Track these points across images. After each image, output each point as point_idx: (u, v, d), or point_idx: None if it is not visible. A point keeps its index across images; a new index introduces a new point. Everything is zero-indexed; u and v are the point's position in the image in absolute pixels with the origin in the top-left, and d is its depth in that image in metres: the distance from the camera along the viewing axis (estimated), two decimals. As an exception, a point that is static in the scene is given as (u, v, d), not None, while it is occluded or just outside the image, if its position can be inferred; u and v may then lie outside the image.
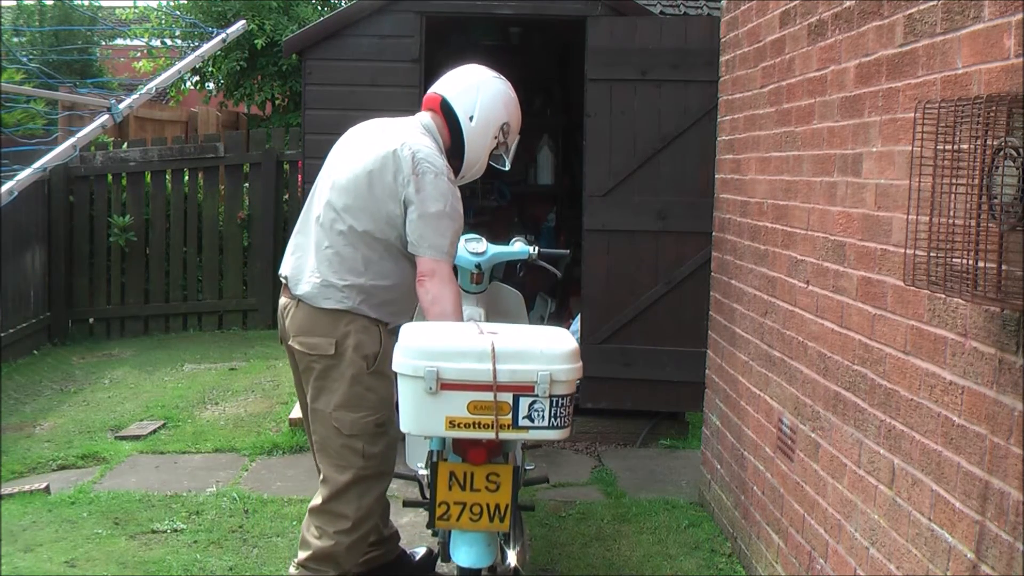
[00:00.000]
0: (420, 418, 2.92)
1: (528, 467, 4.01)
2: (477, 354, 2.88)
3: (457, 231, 3.34)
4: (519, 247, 3.80)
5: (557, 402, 2.88)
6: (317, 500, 3.44)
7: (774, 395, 3.75)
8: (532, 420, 2.88)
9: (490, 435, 2.90)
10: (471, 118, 3.44)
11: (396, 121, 3.49)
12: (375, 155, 3.31)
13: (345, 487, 3.36)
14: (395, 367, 2.95)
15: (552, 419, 2.89)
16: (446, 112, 3.47)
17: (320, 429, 3.40)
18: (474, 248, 3.70)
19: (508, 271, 4.24)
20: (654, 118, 5.53)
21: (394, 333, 3.35)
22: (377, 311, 3.34)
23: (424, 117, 3.50)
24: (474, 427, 2.88)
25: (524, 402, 2.86)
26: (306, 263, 3.39)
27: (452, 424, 2.88)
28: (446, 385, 2.86)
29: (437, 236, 3.26)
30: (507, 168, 3.64)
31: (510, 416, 2.87)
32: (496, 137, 3.49)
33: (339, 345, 3.30)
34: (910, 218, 2.33)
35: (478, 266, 3.67)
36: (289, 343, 3.43)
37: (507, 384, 2.85)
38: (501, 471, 3.08)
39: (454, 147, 3.47)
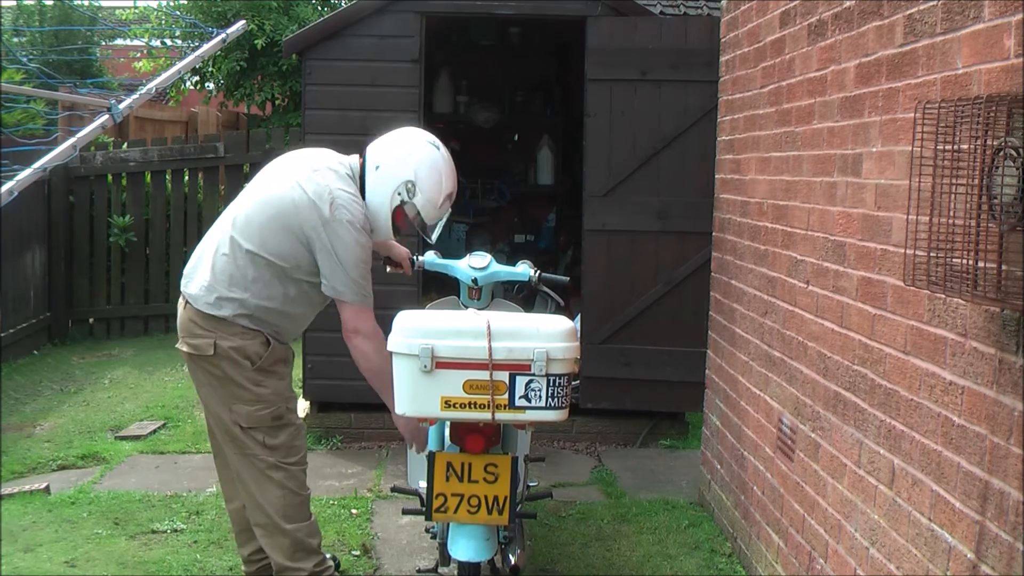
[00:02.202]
0: (415, 398, 2.91)
1: (531, 483, 4.00)
2: (473, 332, 2.87)
3: (368, 277, 3.40)
4: (522, 269, 3.80)
5: (554, 381, 2.87)
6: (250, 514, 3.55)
7: (774, 395, 3.75)
8: (529, 400, 2.87)
9: (486, 416, 2.89)
10: (377, 167, 3.41)
11: (330, 159, 3.50)
12: (296, 186, 3.35)
13: (258, 485, 3.45)
14: (390, 347, 2.95)
15: (549, 399, 2.88)
16: (364, 160, 3.49)
17: (219, 430, 3.49)
18: (476, 263, 3.70)
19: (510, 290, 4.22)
20: (654, 118, 5.53)
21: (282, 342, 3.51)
22: (257, 325, 3.40)
23: (355, 161, 3.51)
24: (470, 407, 2.87)
25: (521, 381, 2.86)
26: (202, 264, 3.47)
27: (447, 404, 2.87)
28: (441, 363, 2.86)
29: (361, 280, 3.33)
30: (432, 240, 3.59)
31: (506, 396, 2.86)
32: (399, 194, 3.40)
33: (217, 346, 3.36)
34: (910, 218, 2.33)
35: (475, 280, 3.67)
36: (177, 345, 3.51)
37: (503, 362, 2.85)
38: (499, 462, 3.07)
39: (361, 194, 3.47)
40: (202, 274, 3.44)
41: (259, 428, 3.42)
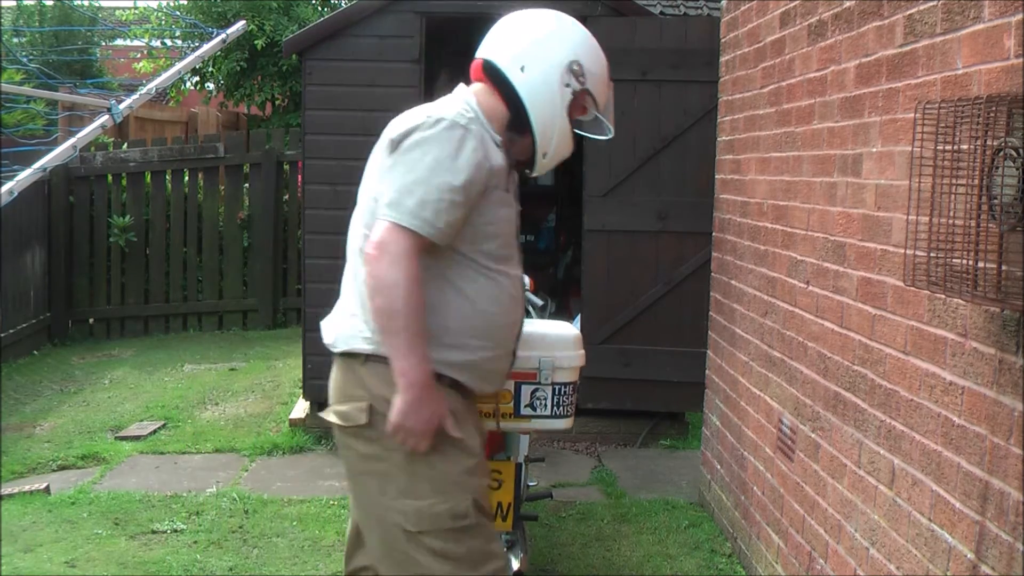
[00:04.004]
0: None
1: (531, 483, 4.00)
2: None
3: (441, 199, 2.30)
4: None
5: (560, 390, 2.87)
6: None
7: (774, 395, 3.74)
8: (534, 409, 2.87)
9: (491, 425, 2.88)
10: (522, 68, 2.49)
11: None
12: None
13: None
14: None
15: (555, 407, 2.88)
16: (493, 76, 2.54)
17: (378, 530, 2.44)
18: None
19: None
20: (654, 118, 5.53)
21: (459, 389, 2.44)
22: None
23: (464, 91, 2.59)
24: None
25: (526, 390, 2.85)
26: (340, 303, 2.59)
27: None
28: None
29: (402, 192, 2.30)
30: (610, 135, 2.67)
31: (511, 405, 2.86)
32: (568, 85, 2.49)
33: (373, 410, 2.37)
34: (910, 218, 2.33)
35: None
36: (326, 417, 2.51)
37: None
38: (503, 468, 3.07)
39: (516, 117, 2.50)
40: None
41: (431, 532, 2.35)
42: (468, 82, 2.62)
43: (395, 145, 2.37)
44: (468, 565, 2.34)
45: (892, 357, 2.70)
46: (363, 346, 2.39)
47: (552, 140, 2.53)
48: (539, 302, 3.70)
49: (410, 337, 2.27)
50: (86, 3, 15.11)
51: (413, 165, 2.32)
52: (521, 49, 2.51)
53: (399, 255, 2.26)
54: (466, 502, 2.36)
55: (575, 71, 2.49)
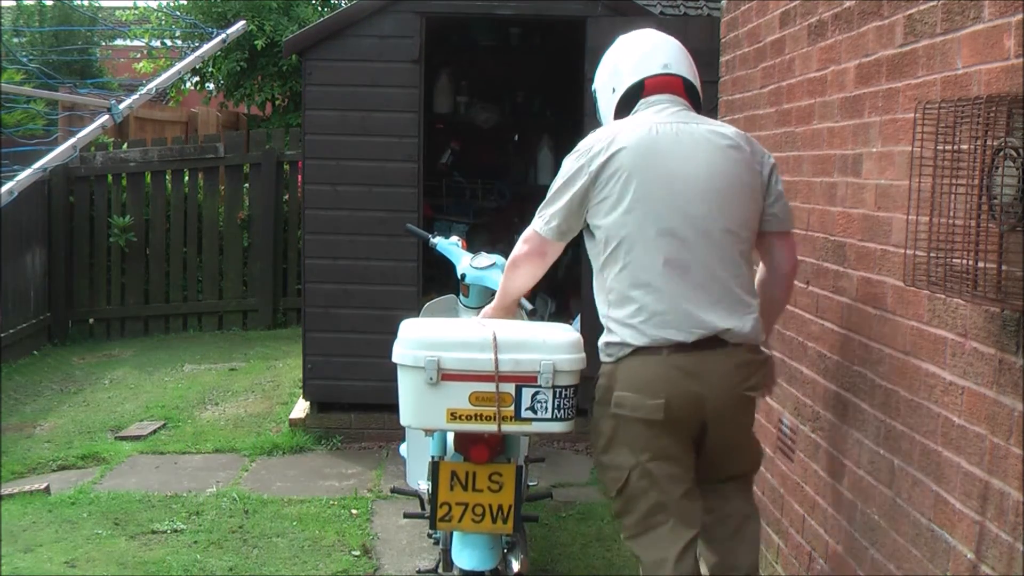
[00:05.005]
0: (421, 411, 2.89)
1: (531, 482, 3.99)
2: (479, 344, 2.85)
3: None
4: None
5: (560, 393, 2.86)
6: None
7: (774, 395, 3.74)
8: (535, 412, 2.86)
9: (492, 428, 2.87)
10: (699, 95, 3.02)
11: (685, 116, 2.89)
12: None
13: None
14: (395, 358, 2.92)
15: (555, 411, 2.87)
16: (694, 98, 2.97)
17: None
18: (478, 262, 3.67)
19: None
20: (654, 118, 5.52)
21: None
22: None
23: (680, 101, 2.93)
24: (476, 419, 2.85)
25: (527, 393, 2.84)
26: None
27: (453, 416, 2.85)
28: (447, 376, 2.84)
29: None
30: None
31: (512, 408, 2.85)
32: None
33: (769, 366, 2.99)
34: (910, 218, 2.33)
35: (462, 276, 3.64)
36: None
37: (509, 374, 2.83)
38: (504, 471, 3.06)
39: None
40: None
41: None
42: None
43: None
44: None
45: (892, 357, 2.70)
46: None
47: None
48: (529, 306, 3.70)
49: None
50: (86, 3, 15.11)
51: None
52: (696, 77, 3.01)
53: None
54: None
55: None
